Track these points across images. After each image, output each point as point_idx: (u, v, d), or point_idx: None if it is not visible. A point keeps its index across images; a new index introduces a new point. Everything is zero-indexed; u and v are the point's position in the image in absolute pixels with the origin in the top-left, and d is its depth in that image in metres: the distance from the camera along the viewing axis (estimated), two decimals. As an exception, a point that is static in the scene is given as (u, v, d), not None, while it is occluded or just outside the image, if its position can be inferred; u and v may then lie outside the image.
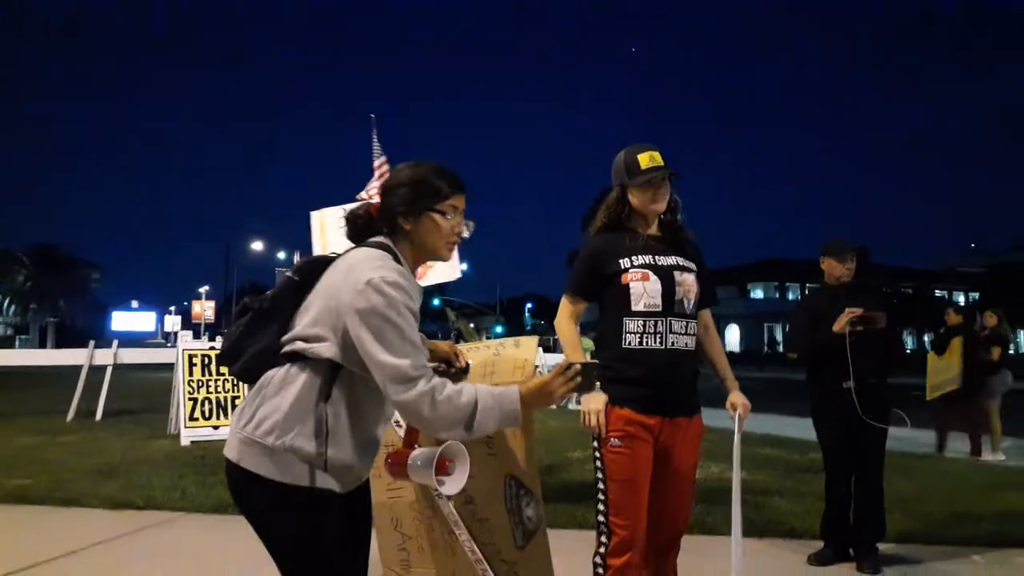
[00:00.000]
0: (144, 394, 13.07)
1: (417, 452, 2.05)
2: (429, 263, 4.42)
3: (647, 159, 2.74)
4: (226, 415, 8.51)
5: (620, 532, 2.59)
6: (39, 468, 6.55)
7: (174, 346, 8.97)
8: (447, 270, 4.65)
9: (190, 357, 8.62)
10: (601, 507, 2.65)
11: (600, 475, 2.66)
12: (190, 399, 8.40)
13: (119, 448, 7.73)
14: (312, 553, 1.83)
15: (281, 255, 38.95)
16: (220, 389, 8.61)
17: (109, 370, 10.50)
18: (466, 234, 2.05)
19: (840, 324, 4.15)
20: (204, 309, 47.57)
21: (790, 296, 65.49)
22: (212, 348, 8.88)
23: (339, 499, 1.88)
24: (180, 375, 8.53)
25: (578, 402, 2.75)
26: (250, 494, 1.84)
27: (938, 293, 66.19)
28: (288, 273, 2.01)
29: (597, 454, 2.68)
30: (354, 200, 5.05)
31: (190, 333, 9.39)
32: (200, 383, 8.54)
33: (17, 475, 6.21)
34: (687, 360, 2.72)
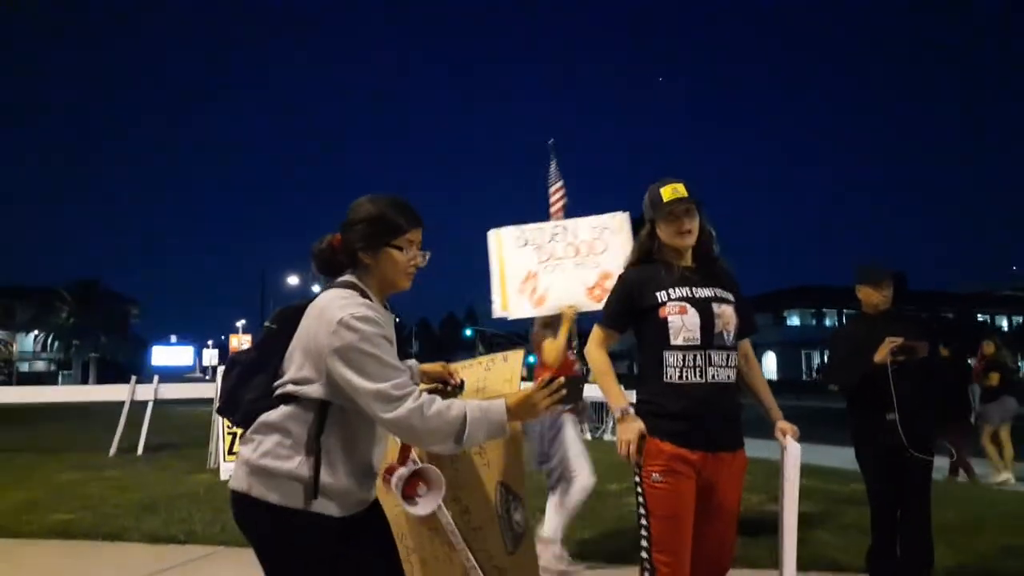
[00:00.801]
0: (184, 429, 13.24)
1: (398, 472, 2.19)
2: (607, 287, 4.52)
3: (669, 192, 2.77)
4: (264, 449, 8.59)
5: (663, 569, 2.56)
6: (82, 503, 6.67)
7: (212, 380, 9.09)
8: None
9: (228, 392, 8.73)
10: (644, 543, 2.62)
11: (643, 510, 2.63)
12: (229, 433, 8.49)
13: (160, 483, 7.85)
14: (300, 570, 1.96)
15: (316, 288, 39.39)
16: (258, 423, 8.70)
17: (150, 405, 10.66)
18: (423, 264, 2.17)
19: (881, 354, 4.08)
20: (241, 343, 48.18)
21: (827, 322, 64.52)
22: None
23: (339, 523, 2.00)
24: (219, 410, 8.62)
25: (614, 433, 2.75)
26: (254, 518, 1.97)
27: (981, 317, 64.77)
28: (267, 323, 2.15)
29: (639, 489, 2.65)
30: (540, 220, 5.07)
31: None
32: (238, 417, 8.64)
33: (61, 510, 6.33)
34: (729, 393, 2.70)
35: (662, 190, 2.80)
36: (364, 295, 2.05)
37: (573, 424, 4.62)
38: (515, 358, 2.75)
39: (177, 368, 50.94)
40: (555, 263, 4.60)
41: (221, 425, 8.54)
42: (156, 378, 11.09)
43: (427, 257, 2.18)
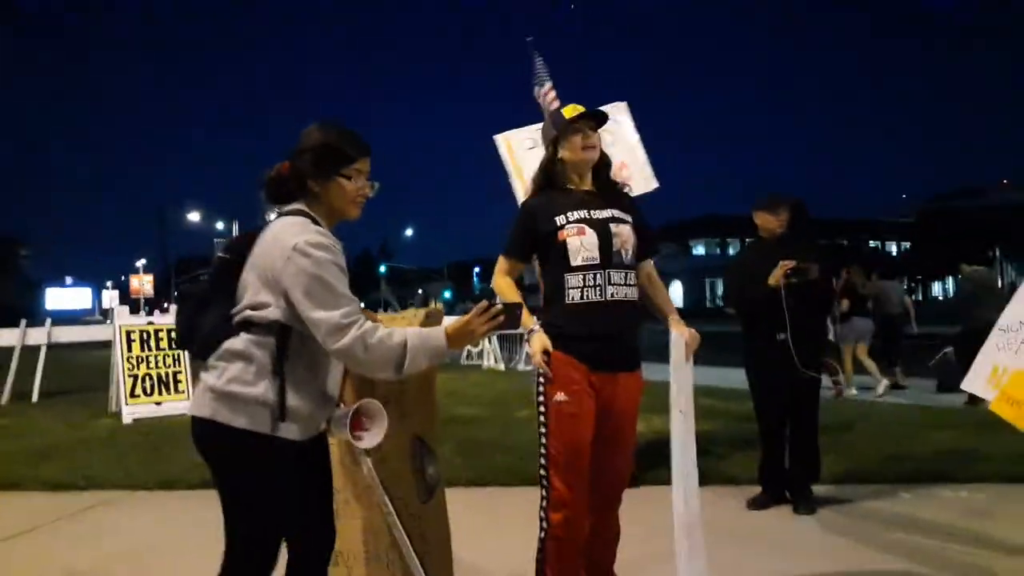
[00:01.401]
0: (83, 373, 12.71)
1: (337, 411, 2.22)
2: (625, 176, 4.45)
3: (571, 110, 2.84)
4: (168, 390, 8.37)
5: (559, 488, 2.64)
6: (-27, 453, 6.37)
7: (110, 322, 8.73)
8: (643, 182, 4.53)
9: (128, 333, 8.41)
10: (543, 461, 2.69)
11: (543, 430, 2.69)
12: (130, 376, 8.23)
13: (58, 429, 7.55)
14: (267, 496, 2.03)
15: (219, 225, 38.15)
16: (161, 364, 8.45)
17: (43, 350, 10.17)
18: (371, 194, 2.21)
19: (775, 277, 4.25)
20: (143, 283, 46.34)
21: (731, 251, 66.73)
22: (150, 323, 8.69)
23: (297, 448, 2.06)
24: (118, 352, 8.32)
25: (527, 363, 2.80)
26: (219, 443, 2.01)
27: (872, 243, 68.41)
28: (220, 253, 2.17)
29: (542, 408, 2.70)
30: (532, 124, 4.97)
31: (126, 308, 9.10)
32: (140, 359, 8.36)
33: (-50, 461, 6.03)
34: (628, 311, 2.76)
35: (564, 111, 2.86)
36: (315, 223, 2.08)
37: None
38: (436, 316, 2.76)
39: (76, 312, 48.81)
40: None
41: (122, 368, 8.25)
42: (48, 321, 10.57)
43: (376, 187, 2.21)
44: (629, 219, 2.82)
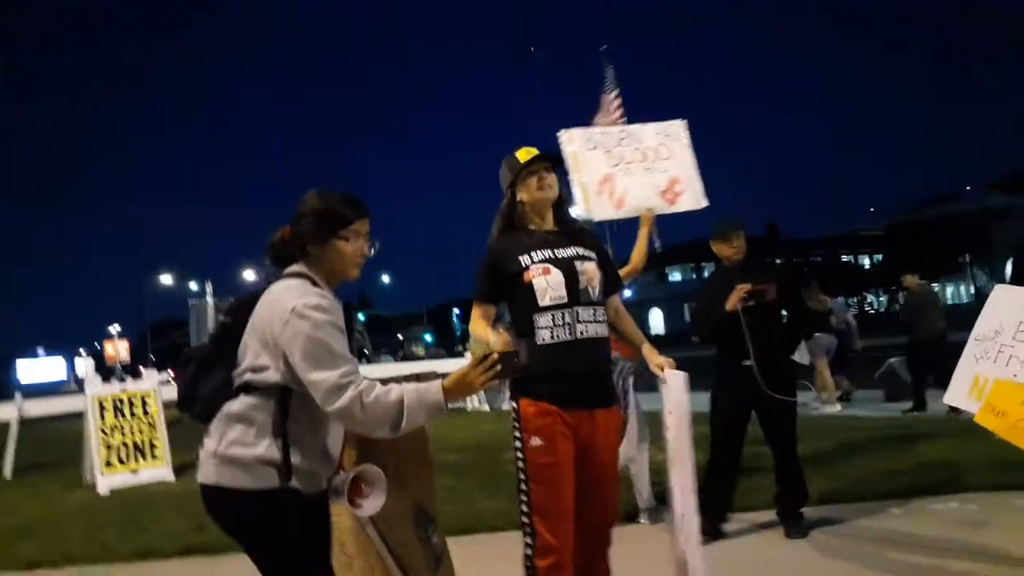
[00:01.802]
0: (57, 446, 12.36)
1: (337, 476, 2.21)
2: (677, 191, 4.50)
3: (524, 153, 2.83)
4: (144, 457, 8.15)
5: (544, 534, 2.59)
6: (-55, 536, 6.14)
7: (82, 392, 8.52)
8: (693, 200, 4.54)
9: (100, 403, 8.21)
10: (524, 508, 2.64)
11: (522, 476, 2.65)
12: (105, 446, 8.02)
13: (33, 506, 7.30)
14: (295, 546, 2.08)
15: (193, 286, 37.75)
16: (136, 432, 8.23)
17: (14, 425, 9.92)
18: (371, 254, 2.24)
19: (731, 302, 4.25)
20: (118, 349, 45.60)
21: (707, 274, 67.27)
22: (124, 390, 8.50)
23: (306, 500, 2.09)
24: (92, 422, 8.10)
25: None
26: (232, 508, 2.04)
27: (844, 258, 69.21)
28: (221, 317, 2.23)
29: (519, 455, 2.66)
30: (593, 124, 5.04)
31: (98, 378, 8.89)
32: (114, 428, 8.14)
33: (-80, 548, 5.81)
34: (599, 347, 2.74)
35: (516, 154, 2.85)
36: (315, 284, 2.12)
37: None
38: (427, 379, 2.80)
39: (49, 384, 47.78)
40: (626, 167, 4.58)
41: (95, 438, 8.04)
42: (18, 395, 10.32)
43: (376, 247, 2.25)
44: (593, 256, 2.81)
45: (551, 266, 2.70)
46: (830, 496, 4.94)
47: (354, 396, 1.93)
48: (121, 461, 8.06)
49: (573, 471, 2.63)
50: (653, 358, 2.84)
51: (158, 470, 8.13)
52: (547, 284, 2.67)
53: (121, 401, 8.32)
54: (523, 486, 2.64)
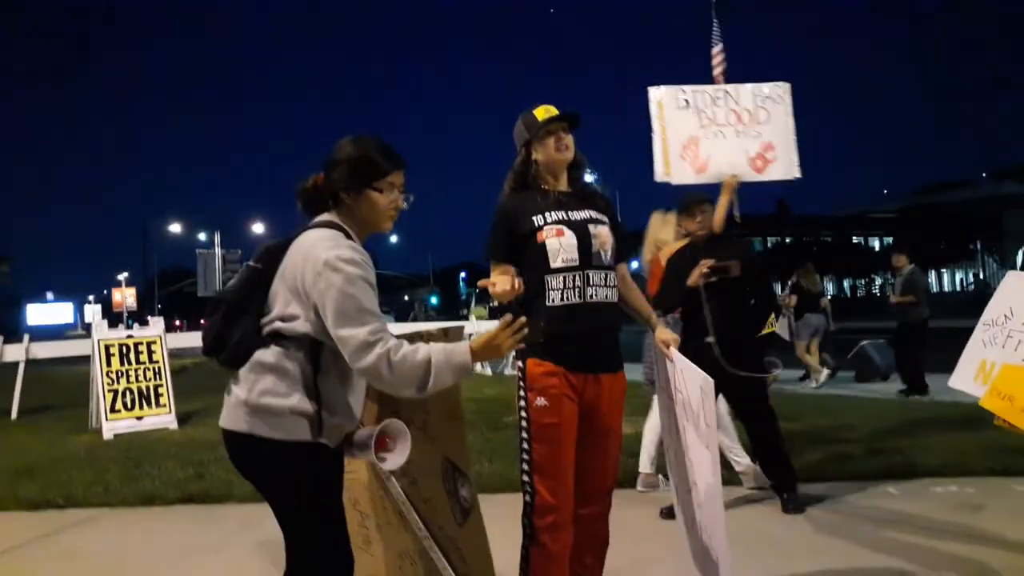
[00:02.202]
0: (63, 389, 12.54)
1: (360, 431, 2.19)
2: (769, 158, 4.41)
3: (543, 112, 2.77)
4: (149, 404, 8.23)
5: (544, 493, 2.58)
6: (-51, 473, 6.23)
7: (89, 336, 8.58)
8: (784, 168, 4.46)
9: (107, 348, 8.27)
10: (525, 467, 2.63)
11: (525, 435, 2.64)
12: (110, 391, 8.08)
13: (37, 447, 7.41)
14: (323, 498, 2.06)
15: (202, 236, 37.85)
16: (142, 378, 8.31)
17: (21, 366, 10.01)
18: (404, 207, 2.20)
19: (693, 278, 4.15)
20: (125, 297, 45.93)
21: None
22: (130, 336, 8.55)
23: (330, 453, 2.09)
24: (98, 367, 8.18)
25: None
26: (260, 457, 2.02)
27: (855, 240, 68.84)
28: (251, 263, 2.14)
29: (523, 413, 2.64)
30: (697, 83, 4.76)
31: (105, 322, 8.95)
32: (120, 373, 8.22)
33: (-75, 483, 5.89)
34: (609, 312, 2.72)
35: (535, 112, 2.78)
36: (347, 235, 2.08)
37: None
38: (455, 333, 2.74)
39: (57, 327, 48.26)
40: (716, 129, 4.47)
41: (101, 382, 8.12)
42: (27, 337, 10.40)
43: (410, 200, 2.22)
44: (606, 220, 2.78)
45: (564, 227, 2.67)
46: (828, 474, 4.95)
47: (382, 354, 1.91)
48: (126, 407, 8.14)
49: (575, 433, 2.63)
50: (661, 333, 2.85)
51: (162, 417, 8.21)
52: (560, 246, 2.64)
53: (127, 347, 8.38)
54: (525, 445, 2.63)
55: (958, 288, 57.60)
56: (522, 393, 2.65)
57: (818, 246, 57.35)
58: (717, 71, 5.05)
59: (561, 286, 2.63)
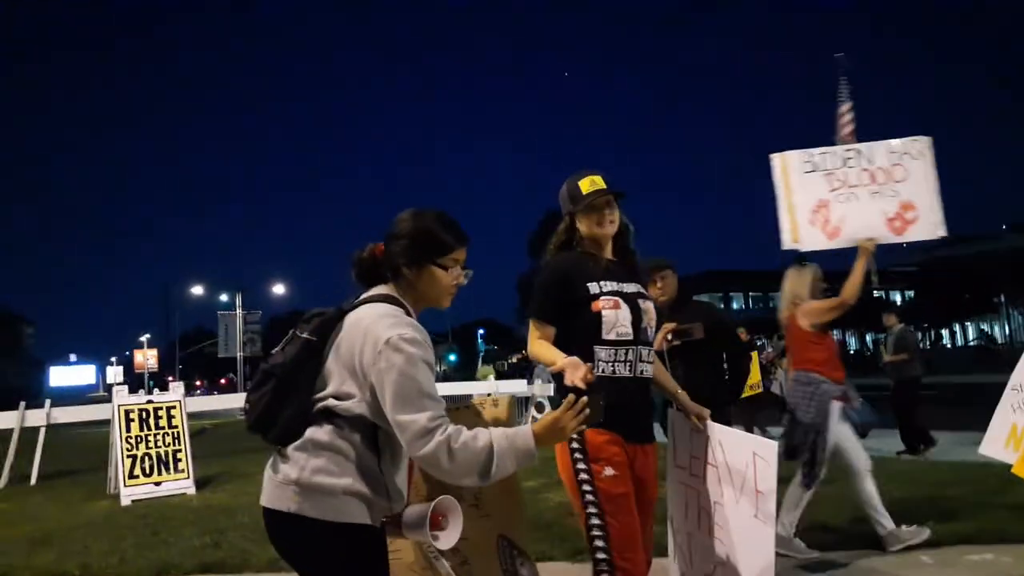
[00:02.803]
0: (83, 452, 12.55)
1: (410, 509, 2.09)
2: (909, 218, 4.25)
3: (588, 184, 2.74)
4: (168, 470, 8.19)
5: (628, 568, 2.46)
6: (-33, 543, 6.19)
7: (109, 400, 8.62)
8: (928, 228, 4.28)
9: (127, 412, 8.29)
10: (601, 543, 2.48)
11: (594, 508, 2.50)
12: (129, 456, 8.07)
13: (54, 514, 7.37)
14: None
15: (223, 297, 38.20)
16: (160, 444, 8.29)
17: (42, 432, 10.05)
18: (464, 283, 2.14)
19: (657, 341, 4.05)
20: (146, 358, 46.24)
21: (735, 305, 66.61)
22: (149, 402, 8.57)
23: (377, 533, 2.00)
24: (117, 432, 8.19)
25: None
26: (305, 538, 1.91)
27: (876, 294, 68.17)
28: (305, 335, 2.02)
29: (588, 487, 2.52)
30: (832, 144, 4.67)
31: (125, 388, 8.97)
32: (139, 439, 8.21)
33: (-57, 552, 5.86)
34: (650, 388, 2.76)
35: (580, 183, 2.76)
36: (406, 312, 2.03)
37: (839, 412, 4.61)
38: (504, 402, 2.73)
39: (79, 388, 48.62)
40: (848, 191, 4.29)
41: (120, 448, 8.10)
42: (48, 402, 10.46)
43: (470, 276, 2.15)
44: (652, 296, 2.81)
45: (621, 300, 2.65)
46: (857, 541, 4.80)
47: (442, 441, 1.82)
48: (145, 473, 8.10)
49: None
50: (693, 407, 2.89)
51: (180, 482, 8.16)
52: (616, 319, 2.62)
53: (147, 412, 8.39)
54: (596, 520, 2.50)
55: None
56: (582, 466, 2.55)
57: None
58: (846, 131, 4.91)
59: (612, 358, 2.61)
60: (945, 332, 63.28)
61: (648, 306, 2.72)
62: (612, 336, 2.60)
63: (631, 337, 2.62)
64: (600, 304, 2.62)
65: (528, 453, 1.90)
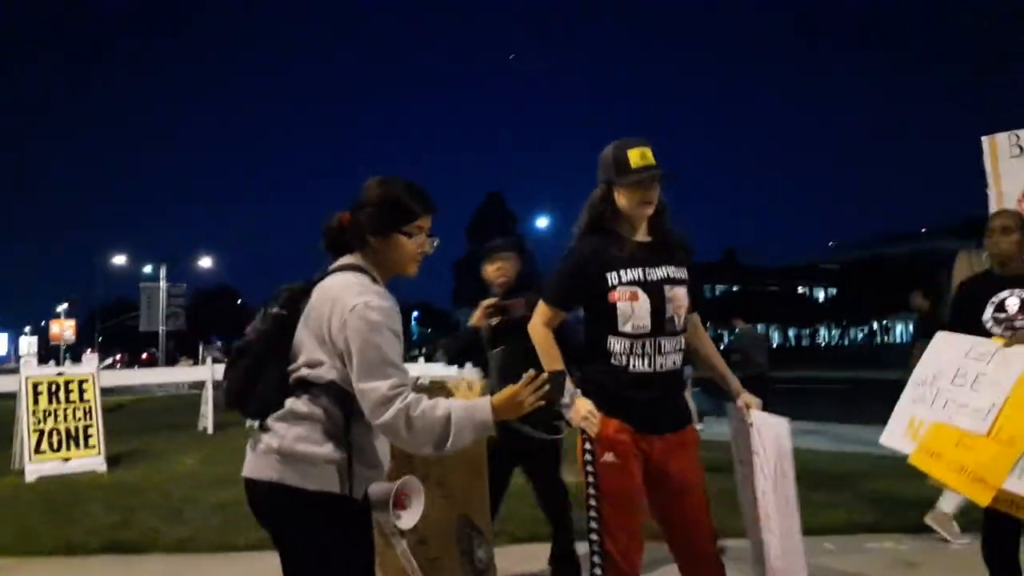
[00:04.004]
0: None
1: (374, 486, 2.10)
2: None
3: (638, 156, 2.55)
4: (77, 445, 7.89)
5: (615, 556, 2.47)
6: None
7: (16, 371, 8.25)
8: None
9: (35, 385, 7.92)
10: (594, 525, 2.50)
11: (592, 491, 2.51)
12: (36, 431, 7.72)
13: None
14: (354, 556, 1.99)
15: (147, 268, 36.99)
16: (71, 418, 7.96)
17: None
18: (430, 251, 2.15)
19: (475, 317, 3.82)
20: (64, 329, 44.44)
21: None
22: (60, 374, 8.23)
23: (358, 506, 2.01)
24: (24, 405, 7.82)
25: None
26: (288, 507, 1.94)
27: (800, 290, 70.48)
28: (275, 309, 2.05)
29: (590, 468, 2.52)
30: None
31: (34, 359, 8.61)
32: (47, 413, 7.86)
33: None
34: (674, 378, 2.65)
35: (630, 152, 2.56)
36: (373, 280, 2.04)
37: None
38: (477, 387, 2.75)
39: (-11, 358, 46.44)
40: None
41: (27, 422, 7.76)
42: (-49, 372, 9.98)
43: (435, 244, 2.16)
44: (684, 276, 2.64)
45: (639, 290, 2.53)
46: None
47: (400, 409, 1.84)
48: (52, 448, 7.79)
49: (643, 494, 2.56)
50: (744, 397, 2.76)
51: (90, 459, 7.85)
52: (632, 311, 2.52)
53: (57, 385, 8.04)
54: (593, 502, 2.51)
55: (907, 339, 59.16)
56: (588, 447, 2.53)
57: (764, 296, 58.53)
58: None
59: (628, 351, 2.55)
60: (865, 329, 65.79)
61: (676, 292, 2.57)
62: (628, 329, 2.52)
63: (648, 330, 2.53)
64: (616, 295, 2.53)
65: (485, 425, 1.92)
